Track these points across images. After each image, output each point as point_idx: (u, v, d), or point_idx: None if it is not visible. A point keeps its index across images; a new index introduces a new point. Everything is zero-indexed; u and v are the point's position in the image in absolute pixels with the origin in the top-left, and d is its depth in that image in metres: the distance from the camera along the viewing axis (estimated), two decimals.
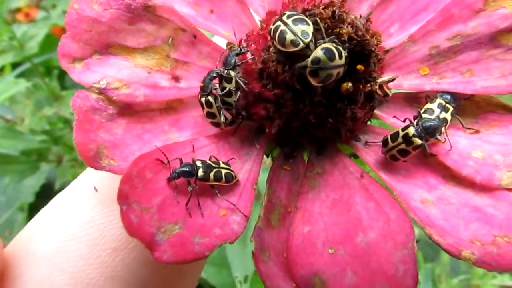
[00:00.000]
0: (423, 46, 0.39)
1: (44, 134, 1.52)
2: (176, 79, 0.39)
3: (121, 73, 0.37)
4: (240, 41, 0.39)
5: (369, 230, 0.34)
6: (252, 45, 0.38)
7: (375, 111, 0.41)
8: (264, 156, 0.41)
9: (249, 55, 0.37)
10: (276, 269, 0.35)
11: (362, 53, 0.32)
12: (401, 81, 0.41)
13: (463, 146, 0.37)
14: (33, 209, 1.53)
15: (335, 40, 0.31)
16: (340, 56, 0.30)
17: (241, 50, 0.37)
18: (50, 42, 1.57)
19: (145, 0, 0.36)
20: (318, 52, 0.30)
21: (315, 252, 0.34)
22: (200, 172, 0.36)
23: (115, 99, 0.36)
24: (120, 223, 0.31)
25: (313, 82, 0.30)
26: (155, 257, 0.31)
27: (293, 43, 0.30)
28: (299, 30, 0.30)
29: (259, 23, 0.42)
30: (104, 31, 0.36)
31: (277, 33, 0.31)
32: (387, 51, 0.42)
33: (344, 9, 0.34)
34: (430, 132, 0.35)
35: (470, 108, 0.39)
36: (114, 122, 0.36)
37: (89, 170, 0.40)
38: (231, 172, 0.37)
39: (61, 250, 0.37)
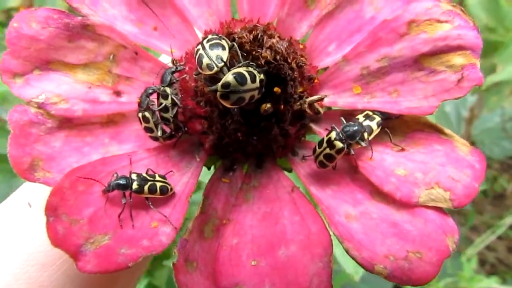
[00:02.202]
0: (355, 66, 0.41)
1: None
2: (117, 93, 0.41)
3: (60, 88, 0.38)
4: (179, 59, 0.41)
5: (291, 243, 0.36)
6: (189, 63, 0.40)
7: (313, 126, 0.43)
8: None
9: (185, 73, 0.39)
10: (202, 278, 0.36)
11: (279, 77, 0.34)
12: (336, 99, 0.42)
13: (388, 163, 0.39)
14: None
15: (252, 64, 0.32)
16: (253, 80, 0.31)
17: (177, 67, 0.38)
18: None
19: (83, 19, 0.38)
20: (229, 77, 0.31)
21: (239, 264, 0.36)
22: (135, 185, 0.37)
23: (54, 114, 0.38)
24: None
25: (225, 104, 0.32)
26: (79, 267, 0.33)
27: (209, 66, 0.32)
28: (215, 55, 0.32)
29: None
30: (43, 48, 0.37)
31: (197, 56, 0.33)
32: (325, 69, 0.43)
33: (270, 32, 0.36)
34: (350, 135, 0.37)
35: (400, 126, 0.41)
36: (53, 136, 0.38)
37: (26, 185, 0.41)
38: (167, 185, 0.39)
39: None
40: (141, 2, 0.42)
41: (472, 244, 1.43)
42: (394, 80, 0.39)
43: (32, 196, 0.40)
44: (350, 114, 0.43)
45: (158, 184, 0.38)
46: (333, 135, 0.37)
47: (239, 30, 0.36)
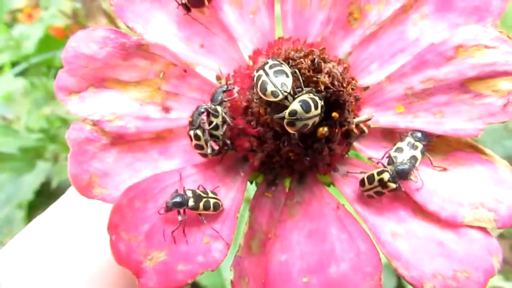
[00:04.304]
0: (399, 86, 0.42)
1: (40, 132, 1.54)
2: (166, 109, 0.42)
3: (115, 106, 0.39)
4: (227, 78, 0.42)
5: (341, 261, 0.37)
6: (238, 82, 0.41)
7: (354, 144, 0.44)
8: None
9: (235, 92, 0.40)
10: None
11: (337, 102, 0.35)
12: (378, 117, 0.43)
13: (431, 183, 0.40)
14: (32, 207, 1.55)
15: (312, 90, 0.33)
16: (316, 107, 0.32)
17: (227, 87, 0.39)
18: (48, 42, 1.59)
19: (138, 39, 0.38)
20: (295, 105, 0.32)
21: (290, 280, 0.37)
22: (191, 202, 0.38)
23: (108, 131, 0.39)
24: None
25: (290, 130, 0.33)
26: (141, 284, 0.34)
27: (273, 94, 0.33)
28: (279, 82, 0.33)
29: (247, 58, 0.44)
30: (99, 67, 0.38)
31: (259, 82, 0.34)
32: (366, 87, 0.44)
33: (324, 56, 0.37)
34: (403, 176, 0.38)
35: (441, 145, 0.42)
36: (106, 152, 0.39)
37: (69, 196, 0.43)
38: (218, 201, 0.40)
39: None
40: (189, 20, 0.42)
41: None
42: (439, 101, 0.40)
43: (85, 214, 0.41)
44: (390, 132, 0.44)
45: (212, 201, 0.39)
46: (386, 176, 0.38)
47: (293, 53, 0.37)
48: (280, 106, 0.33)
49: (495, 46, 0.38)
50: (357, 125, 0.40)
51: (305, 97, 0.32)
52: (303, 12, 0.45)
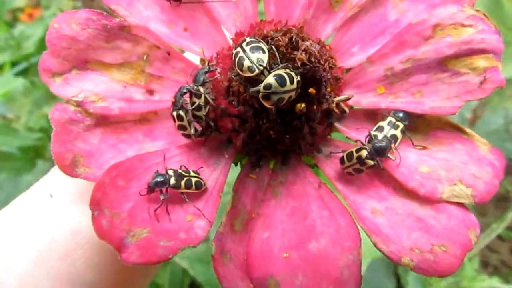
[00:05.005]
0: (379, 67, 0.43)
1: (40, 131, 1.55)
2: (150, 92, 0.42)
3: (98, 87, 0.39)
4: (210, 59, 0.42)
5: (321, 237, 0.38)
6: (220, 63, 0.41)
7: (337, 125, 0.45)
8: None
9: (217, 73, 0.40)
10: (236, 270, 0.38)
11: (314, 78, 0.36)
12: (360, 98, 0.44)
13: (412, 161, 0.41)
14: None
15: (289, 65, 0.34)
16: (292, 82, 0.33)
17: (209, 68, 0.40)
18: None
19: (121, 20, 0.39)
20: (270, 79, 0.33)
21: (271, 256, 0.37)
22: (172, 180, 0.39)
23: (92, 112, 0.39)
24: (72, 227, 0.34)
25: (266, 104, 0.34)
26: (123, 259, 0.34)
27: (250, 69, 0.34)
28: (255, 58, 0.34)
29: (230, 41, 0.45)
30: (82, 49, 0.39)
31: (237, 59, 0.34)
32: (349, 69, 0.45)
33: (302, 34, 0.38)
34: (380, 153, 0.39)
35: (422, 125, 0.43)
36: (91, 133, 0.39)
37: (48, 176, 0.43)
38: (201, 180, 0.40)
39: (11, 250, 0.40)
40: (173, 4, 0.43)
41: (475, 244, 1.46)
42: (418, 81, 0.41)
43: (54, 188, 0.42)
44: (373, 113, 0.45)
45: (194, 180, 0.40)
46: (363, 153, 0.39)
47: (272, 32, 0.38)
48: (258, 81, 0.34)
49: (472, 25, 0.38)
50: (337, 105, 0.41)
51: (281, 71, 0.33)
52: None
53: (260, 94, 0.33)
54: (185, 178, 0.39)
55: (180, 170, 0.40)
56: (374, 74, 0.43)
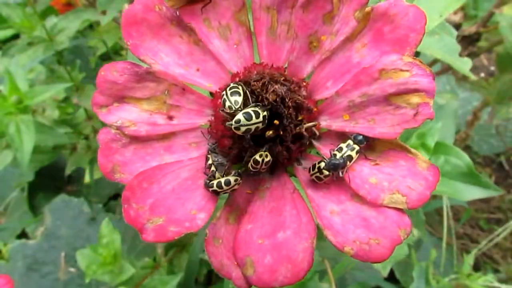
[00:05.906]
0: (344, 99, 0.54)
1: (65, 124, 1.56)
2: (170, 118, 0.57)
3: (131, 116, 0.55)
4: (215, 92, 0.56)
5: (287, 229, 0.51)
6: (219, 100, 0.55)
7: (315, 143, 0.57)
8: None
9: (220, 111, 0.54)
10: (225, 251, 0.52)
11: (277, 113, 0.49)
12: (331, 123, 0.56)
13: (365, 173, 0.52)
14: (32, 189, 1.72)
15: (258, 104, 0.47)
16: (257, 116, 0.46)
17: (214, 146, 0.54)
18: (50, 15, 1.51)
19: (147, 68, 0.54)
20: (239, 116, 0.46)
21: (251, 242, 0.51)
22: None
23: (127, 133, 0.55)
24: None
25: (237, 133, 0.47)
26: (143, 238, 0.49)
27: (229, 108, 0.47)
28: (233, 100, 0.47)
29: None
30: (120, 88, 0.54)
31: (222, 99, 0.48)
32: (324, 100, 0.57)
33: (275, 79, 0.51)
34: (334, 168, 0.51)
35: (378, 145, 0.54)
36: (126, 149, 0.55)
37: None
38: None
39: None
40: (188, 52, 0.58)
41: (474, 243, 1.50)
42: (372, 111, 0.53)
43: None
44: (342, 134, 0.57)
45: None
46: (322, 165, 0.51)
47: (254, 77, 0.51)
48: (234, 116, 0.48)
49: (408, 70, 0.49)
50: (307, 129, 0.53)
51: (249, 109, 0.47)
52: (274, 42, 0.58)
53: (233, 126, 0.47)
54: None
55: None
56: (340, 104, 0.55)
